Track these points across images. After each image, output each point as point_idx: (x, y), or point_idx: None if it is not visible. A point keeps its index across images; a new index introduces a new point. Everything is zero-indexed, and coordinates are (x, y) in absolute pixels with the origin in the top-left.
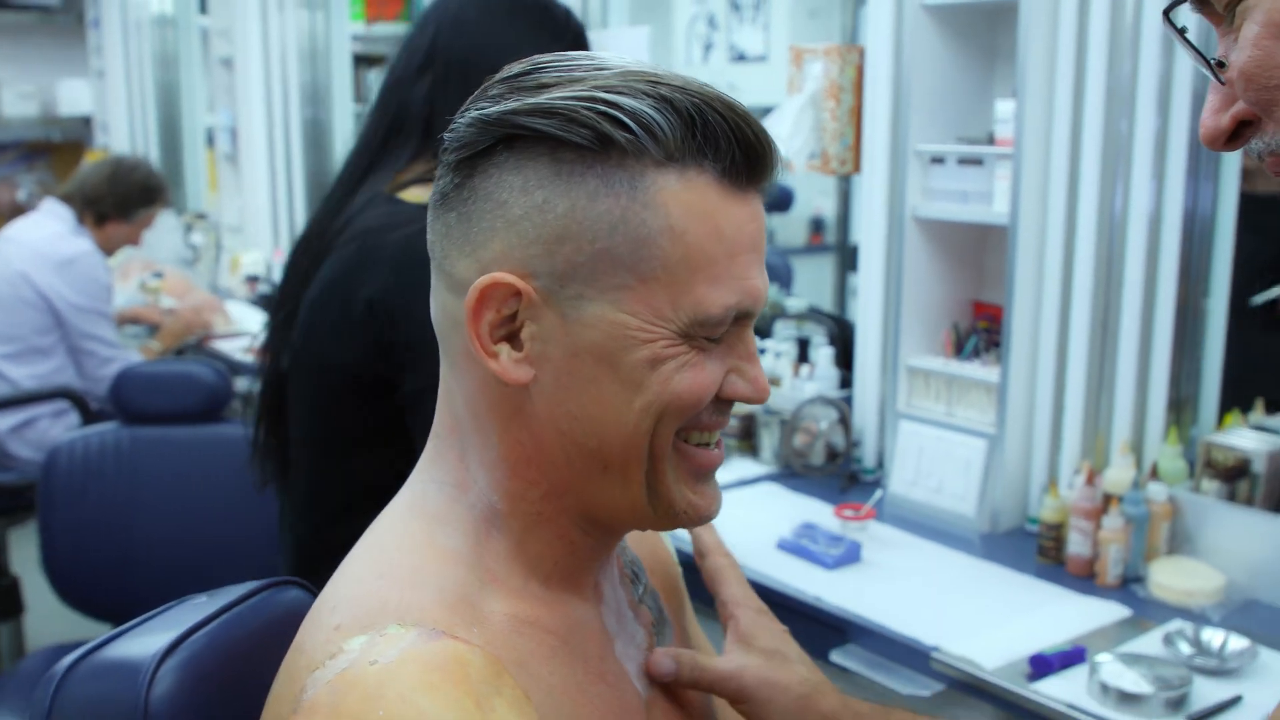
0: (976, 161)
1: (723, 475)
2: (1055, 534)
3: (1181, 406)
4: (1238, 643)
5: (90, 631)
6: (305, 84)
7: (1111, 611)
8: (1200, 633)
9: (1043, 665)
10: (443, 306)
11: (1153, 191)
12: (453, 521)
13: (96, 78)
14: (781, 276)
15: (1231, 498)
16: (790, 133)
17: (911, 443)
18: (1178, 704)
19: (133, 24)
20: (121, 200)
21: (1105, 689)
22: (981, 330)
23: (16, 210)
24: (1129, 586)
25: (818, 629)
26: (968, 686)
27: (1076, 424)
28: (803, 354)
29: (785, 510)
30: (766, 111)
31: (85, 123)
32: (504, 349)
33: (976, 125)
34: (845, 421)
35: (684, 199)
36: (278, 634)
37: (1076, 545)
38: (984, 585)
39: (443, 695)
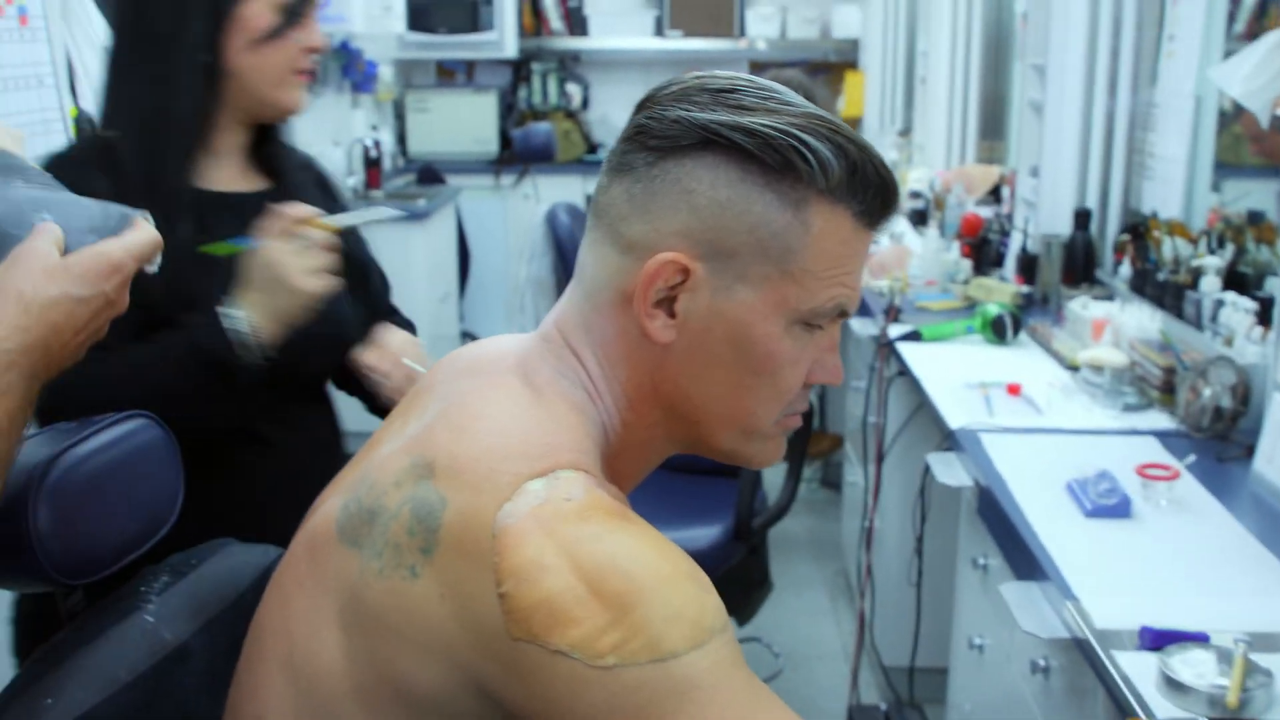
0: None
1: (1113, 422)
2: None
3: None
4: None
5: None
6: (988, 7)
7: None
8: None
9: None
10: (603, 257)
11: None
12: (590, 416)
13: (863, 4)
14: None
15: None
16: (1251, 72)
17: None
18: None
19: None
20: None
21: None
22: None
23: None
24: None
25: (1019, 559)
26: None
27: None
28: (1265, 314)
29: (1125, 459)
30: None
31: (854, 45)
32: (659, 314)
33: None
34: (1237, 387)
35: (828, 226)
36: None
37: None
38: (1245, 566)
39: (633, 526)
